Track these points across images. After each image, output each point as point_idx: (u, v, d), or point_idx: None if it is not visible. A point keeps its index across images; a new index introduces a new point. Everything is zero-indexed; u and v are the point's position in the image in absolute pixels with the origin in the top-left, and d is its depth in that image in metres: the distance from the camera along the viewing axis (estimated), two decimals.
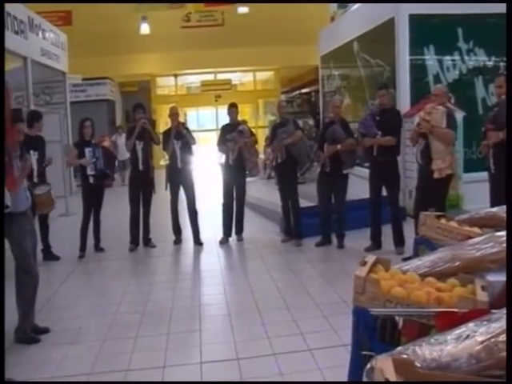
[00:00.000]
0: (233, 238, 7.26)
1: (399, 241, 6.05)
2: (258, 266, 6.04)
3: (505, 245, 2.35)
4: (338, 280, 5.15)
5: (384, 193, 6.24)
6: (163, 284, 5.58)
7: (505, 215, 2.91)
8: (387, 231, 6.22)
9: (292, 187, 6.91)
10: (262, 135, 17.36)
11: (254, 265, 6.19)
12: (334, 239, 6.65)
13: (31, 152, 5.85)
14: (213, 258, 6.55)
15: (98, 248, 6.94)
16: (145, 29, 14.69)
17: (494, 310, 1.76)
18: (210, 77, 19.77)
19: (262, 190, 9.58)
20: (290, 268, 5.90)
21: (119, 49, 16.04)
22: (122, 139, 12.67)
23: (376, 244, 6.23)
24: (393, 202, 6.17)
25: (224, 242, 7.13)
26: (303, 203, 7.20)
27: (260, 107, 21.41)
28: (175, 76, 19.75)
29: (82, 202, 6.82)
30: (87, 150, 6.68)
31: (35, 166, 6.04)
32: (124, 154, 12.57)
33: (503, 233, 2.49)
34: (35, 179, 6.00)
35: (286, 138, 6.75)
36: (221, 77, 19.74)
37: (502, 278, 2.11)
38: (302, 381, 3.32)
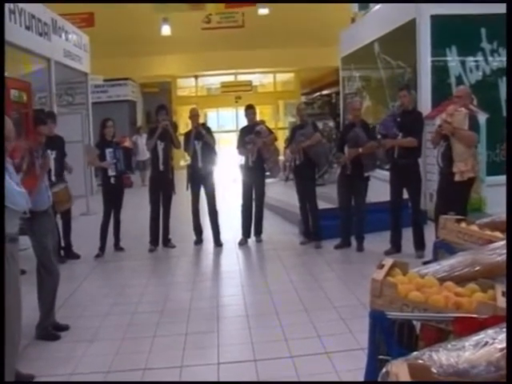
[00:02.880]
0: (252, 240, 7.26)
1: (419, 244, 5.99)
2: (277, 268, 6.04)
3: None
4: (357, 283, 5.12)
5: (405, 195, 6.19)
6: (182, 284, 5.61)
7: None
8: (407, 234, 6.15)
9: (310, 189, 6.89)
10: (281, 136, 17.32)
11: (272, 266, 6.19)
12: (354, 242, 6.60)
13: (49, 151, 5.90)
14: (232, 259, 6.57)
15: (117, 247, 7.01)
16: (166, 30, 14.81)
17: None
18: (231, 78, 19.84)
19: (281, 192, 9.55)
20: (308, 270, 5.89)
21: (140, 50, 16.20)
22: (142, 140, 12.78)
23: (396, 247, 6.17)
24: (413, 204, 6.12)
25: (243, 243, 7.14)
26: (323, 205, 7.18)
27: (280, 108, 21.42)
28: (195, 77, 19.88)
29: (102, 201, 6.90)
30: (108, 151, 6.75)
31: (53, 166, 6.12)
32: (144, 155, 12.69)
33: None
34: (53, 178, 6.07)
35: (304, 140, 6.74)
36: (241, 78, 19.80)
37: None
38: (311, 381, 3.31)
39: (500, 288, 2.10)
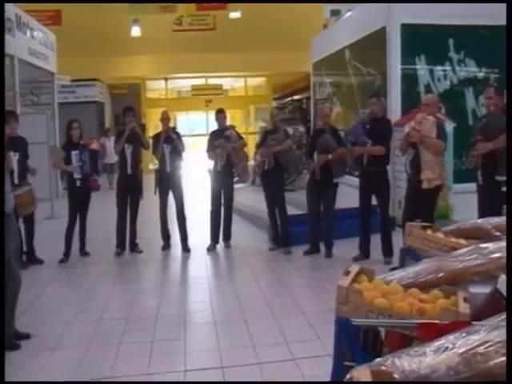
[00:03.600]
0: (220, 245, 7.27)
1: (388, 251, 6.10)
2: (245, 274, 6.07)
3: (489, 257, 2.40)
4: (325, 289, 5.17)
5: (373, 202, 6.30)
6: (149, 290, 5.58)
7: (489, 227, 2.96)
8: (376, 241, 6.26)
9: (278, 195, 6.95)
10: (252, 141, 17.40)
11: (240, 272, 6.22)
12: (323, 248, 6.68)
13: (11, 153, 5.79)
14: (200, 264, 6.56)
15: (83, 252, 6.92)
16: (136, 31, 14.70)
17: (474, 322, 1.79)
18: (201, 81, 19.82)
19: (250, 197, 9.59)
20: (277, 276, 5.93)
21: (109, 50, 16.04)
22: (110, 142, 12.66)
23: (364, 253, 6.27)
24: (382, 211, 6.24)
25: (211, 248, 7.14)
26: (292, 211, 7.24)
27: (251, 113, 21.50)
28: (166, 79, 19.78)
29: (68, 204, 6.81)
30: (74, 153, 6.66)
31: (16, 168, 6.01)
32: (112, 158, 12.56)
33: (487, 245, 2.53)
34: (16, 181, 5.96)
35: (275, 145, 6.80)
36: (212, 81, 19.80)
37: (484, 290, 2.15)
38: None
39: (462, 294, 2.17)
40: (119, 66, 17.22)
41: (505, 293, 1.97)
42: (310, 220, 6.73)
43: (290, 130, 11.62)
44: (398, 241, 5.74)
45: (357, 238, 6.39)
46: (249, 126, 20.62)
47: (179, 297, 5.38)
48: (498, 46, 8.02)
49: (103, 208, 8.80)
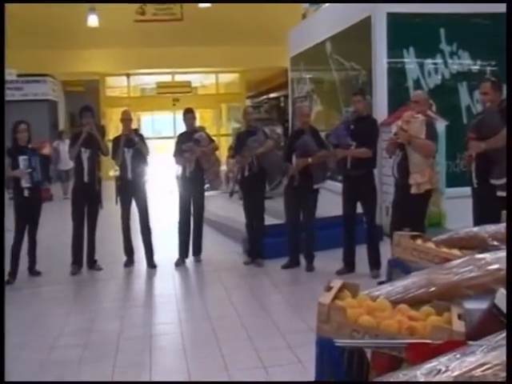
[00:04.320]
0: (190, 260, 7.24)
1: (375, 263, 6.13)
2: (218, 291, 6.04)
3: (485, 268, 2.41)
4: (306, 306, 5.14)
5: (359, 209, 6.33)
6: (110, 312, 5.52)
7: (486, 235, 2.98)
8: (362, 252, 6.29)
9: (260, 204, 6.97)
10: (224, 144, 17.42)
11: (212, 289, 6.20)
12: (303, 261, 6.68)
13: None
14: (167, 281, 6.52)
15: (33, 271, 6.78)
16: (93, 21, 14.50)
17: (470, 342, 1.79)
18: (168, 78, 19.78)
19: (223, 206, 9.58)
20: (252, 293, 5.93)
21: (63, 42, 15.83)
22: (65, 146, 12.49)
23: (349, 266, 6.29)
24: (368, 219, 6.27)
25: (180, 263, 7.10)
26: (270, 220, 7.26)
27: (223, 113, 21.51)
28: (128, 76, 19.67)
29: (14, 217, 6.66)
30: (21, 158, 6.53)
31: None
32: (67, 163, 12.41)
33: (483, 255, 2.54)
34: None
35: (257, 147, 6.81)
36: (179, 78, 19.78)
37: (480, 305, 2.15)
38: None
39: (456, 310, 2.17)
40: (74, 61, 17.02)
41: (504, 308, 1.97)
42: (288, 230, 6.73)
43: (267, 131, 11.66)
44: (386, 252, 5.78)
45: (340, 249, 6.41)
46: (221, 128, 20.63)
47: (144, 318, 5.33)
48: (495, 35, 8.17)
49: (57, 220, 8.69)
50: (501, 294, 2.00)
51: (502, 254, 2.46)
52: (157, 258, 7.15)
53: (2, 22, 6.83)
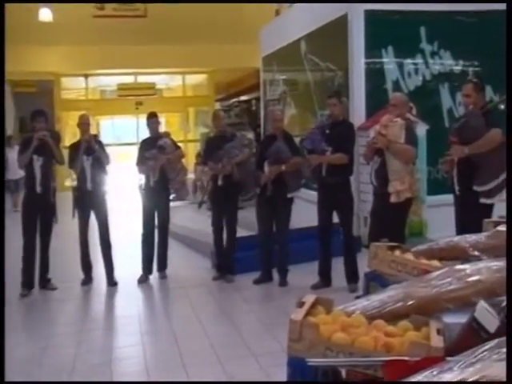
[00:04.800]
0: (154, 276, 7.20)
1: (352, 276, 6.20)
2: (185, 310, 6.02)
3: (465, 280, 2.46)
4: (279, 324, 5.12)
5: (335, 219, 6.39)
6: (64, 337, 5.44)
7: (466, 245, 3.05)
8: (339, 265, 6.34)
9: (233, 215, 7.01)
10: (192, 151, 17.40)
11: (179, 308, 6.17)
12: (276, 275, 6.71)
13: None
14: (129, 300, 6.48)
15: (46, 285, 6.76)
16: (45, 15, 14.28)
17: (449, 358, 1.83)
18: (130, 79, 19.67)
19: (190, 217, 9.55)
20: (222, 311, 5.93)
21: (11, 38, 15.56)
22: (13, 153, 12.30)
23: (325, 280, 6.34)
24: (345, 230, 6.34)
25: (143, 280, 7.06)
26: (240, 232, 7.27)
27: (190, 117, 21.48)
28: (86, 76, 19.51)
29: None
30: None
31: None
32: (16, 173, 12.22)
33: (464, 266, 2.60)
34: None
35: (238, 154, 6.84)
36: (143, 79, 19.69)
37: (460, 319, 2.20)
38: None
39: (435, 325, 2.21)
40: (25, 59, 16.73)
41: (484, 322, 2.02)
42: (260, 243, 6.77)
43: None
44: (364, 264, 5.84)
45: (316, 262, 6.46)
46: (188, 133, 20.59)
47: (103, 342, 5.28)
48: (478, 34, 8.37)
49: (5, 236, 8.53)
50: (481, 307, 2.05)
51: (483, 264, 2.52)
52: (118, 274, 7.09)
53: (2, 21, 7.03)
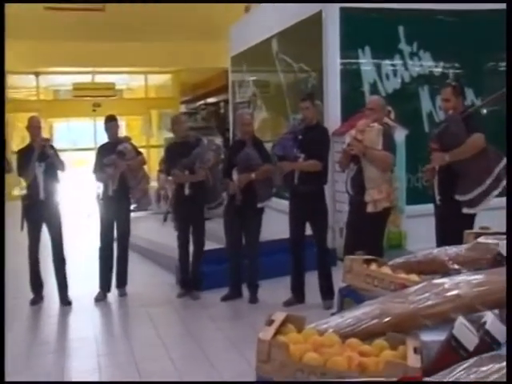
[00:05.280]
0: (113, 294, 7.16)
1: (327, 292, 6.24)
2: (146, 330, 5.99)
3: (444, 295, 2.50)
4: (249, 343, 5.12)
5: (308, 231, 6.43)
6: (10, 362, 5.29)
7: (446, 258, 3.10)
8: (313, 280, 6.38)
9: (200, 226, 7.03)
10: (155, 157, 17.33)
11: (140, 328, 6.12)
12: (246, 291, 6.73)
13: None
14: (85, 321, 6.42)
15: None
16: None
17: (426, 379, 1.86)
18: (87, 78, 19.56)
19: (153, 229, 9.52)
20: (187, 330, 5.91)
21: None
22: None
23: (298, 296, 6.38)
24: (319, 242, 6.37)
25: (101, 298, 7.01)
26: (207, 245, 7.26)
27: (153, 121, 21.42)
28: (37, 75, 19.32)
29: None
30: None
31: None
32: None
33: (443, 280, 2.64)
34: None
35: (210, 159, 6.87)
36: (101, 79, 19.59)
37: (438, 336, 2.24)
38: None
39: (412, 343, 2.25)
40: None
41: (463, 340, 2.07)
42: (229, 256, 6.78)
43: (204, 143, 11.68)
44: (339, 279, 5.90)
45: (288, 277, 6.49)
46: (150, 138, 20.52)
47: (55, 367, 5.20)
48: (460, 34, 8.53)
49: None
50: (459, 324, 2.09)
51: (462, 278, 2.56)
52: (72, 292, 7.02)
53: (2, 21, 7.25)
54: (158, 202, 10.73)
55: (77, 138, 21.04)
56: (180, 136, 7.22)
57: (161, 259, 8.47)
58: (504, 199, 4.31)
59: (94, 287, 7.11)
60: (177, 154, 7.01)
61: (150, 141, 20.21)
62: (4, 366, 3.73)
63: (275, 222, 7.25)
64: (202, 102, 22.42)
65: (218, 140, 14.84)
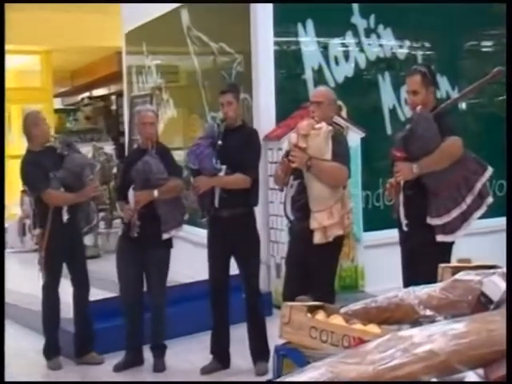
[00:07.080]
0: None
1: (261, 352, 6.22)
2: None
3: (413, 352, 2.55)
4: None
5: (234, 269, 6.44)
6: None
7: (415, 302, 3.16)
8: (241, 335, 6.39)
9: (82, 265, 6.98)
10: (17, 171, 16.97)
11: None
12: (149, 355, 6.68)
13: None
14: None
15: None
16: None
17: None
18: None
19: (15, 274, 9.34)
20: None
21: None
22: None
23: (221, 360, 6.36)
24: (249, 284, 6.38)
25: None
26: (94, 294, 7.15)
27: (13, 121, 21.00)
28: None
29: None
30: None
31: None
32: None
33: (410, 332, 2.69)
34: None
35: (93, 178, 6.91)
36: None
37: None
38: None
39: None
40: None
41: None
42: (124, 308, 6.73)
43: (89, 151, 11.61)
44: (277, 333, 5.92)
45: (208, 333, 6.47)
46: (10, 144, 20.11)
47: None
48: (431, 6, 8.72)
49: None
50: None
51: (437, 328, 2.62)
52: None
53: (2, 21, 8.51)
54: (21, 235, 10.55)
55: None
56: (41, 143, 6.96)
57: (24, 316, 8.18)
58: (489, 221, 4.42)
59: None
60: (40, 171, 6.77)
61: (8, 149, 19.77)
62: (4, 366, 4.77)
63: (188, 259, 7.24)
64: (85, 94, 22.25)
65: (109, 147, 14.76)
